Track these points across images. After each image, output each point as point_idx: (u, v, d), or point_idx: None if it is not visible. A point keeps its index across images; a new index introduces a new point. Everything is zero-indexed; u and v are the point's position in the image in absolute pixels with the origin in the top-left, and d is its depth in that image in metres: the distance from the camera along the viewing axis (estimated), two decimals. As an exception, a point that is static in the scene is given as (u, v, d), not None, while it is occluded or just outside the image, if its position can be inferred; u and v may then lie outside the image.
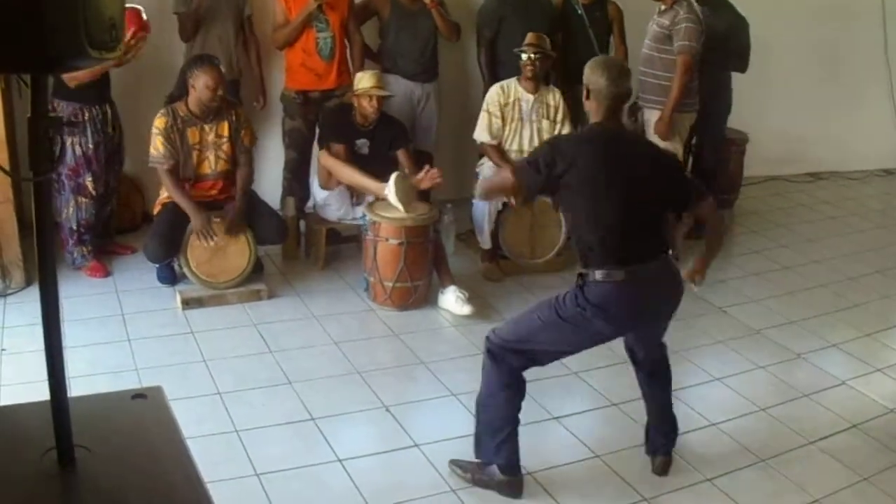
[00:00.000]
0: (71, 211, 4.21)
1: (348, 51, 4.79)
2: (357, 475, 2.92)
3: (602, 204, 2.63)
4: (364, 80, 4.39)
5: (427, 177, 4.26)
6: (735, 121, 5.78)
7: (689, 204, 2.81)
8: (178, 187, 4.00)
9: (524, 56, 4.52)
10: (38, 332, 3.84)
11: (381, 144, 4.55)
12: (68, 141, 4.09)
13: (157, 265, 4.23)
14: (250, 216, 4.18)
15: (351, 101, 4.48)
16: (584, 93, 2.74)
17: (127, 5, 3.97)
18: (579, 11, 5.02)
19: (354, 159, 4.45)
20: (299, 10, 4.48)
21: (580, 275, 2.68)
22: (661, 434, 3.06)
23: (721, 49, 4.98)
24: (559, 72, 5.16)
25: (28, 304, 3.99)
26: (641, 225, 2.68)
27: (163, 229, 4.02)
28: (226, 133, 4.12)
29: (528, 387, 2.85)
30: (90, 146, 4.15)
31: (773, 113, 6.56)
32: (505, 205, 4.59)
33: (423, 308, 4.26)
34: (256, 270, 4.43)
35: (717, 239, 3.06)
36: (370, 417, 3.28)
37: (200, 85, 3.91)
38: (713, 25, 4.92)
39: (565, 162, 2.62)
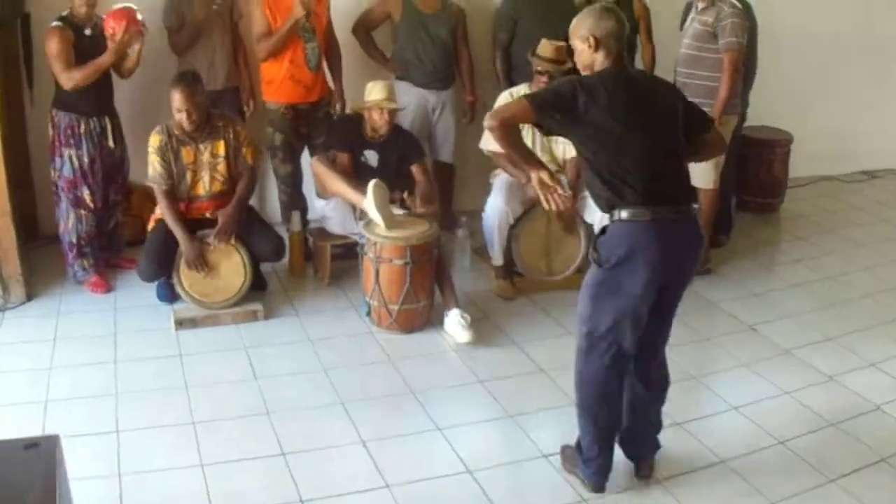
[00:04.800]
0: (71, 224, 4.27)
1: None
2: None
3: (629, 139, 2.61)
4: (374, 92, 4.28)
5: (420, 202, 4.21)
6: (778, 119, 5.43)
7: (706, 126, 2.84)
8: (172, 211, 3.98)
9: (539, 68, 4.30)
10: (34, 349, 3.82)
11: (390, 157, 4.43)
12: (66, 153, 4.11)
13: (157, 283, 4.14)
14: (246, 232, 4.11)
15: (361, 111, 4.31)
16: (588, 44, 2.69)
17: (120, 5, 3.98)
18: (596, 6, 4.71)
19: (361, 171, 4.33)
20: (284, 19, 4.37)
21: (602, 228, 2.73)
22: (648, 438, 3.01)
23: None
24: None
25: (26, 321, 4.07)
26: (667, 161, 2.69)
27: (155, 248, 4.02)
28: (221, 152, 4.06)
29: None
30: (85, 160, 4.17)
31: (820, 108, 6.23)
32: (518, 219, 4.37)
33: (428, 330, 4.13)
34: (259, 288, 4.37)
35: (707, 157, 3.09)
36: (344, 454, 3.17)
37: (172, 107, 3.87)
38: None
39: (587, 95, 2.60)
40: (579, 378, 2.86)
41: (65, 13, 4.03)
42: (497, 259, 4.46)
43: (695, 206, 2.75)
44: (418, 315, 4.05)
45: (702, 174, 4.55)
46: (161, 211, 4.01)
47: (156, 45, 4.45)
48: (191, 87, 3.86)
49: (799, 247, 5.32)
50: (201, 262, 3.96)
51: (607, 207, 2.70)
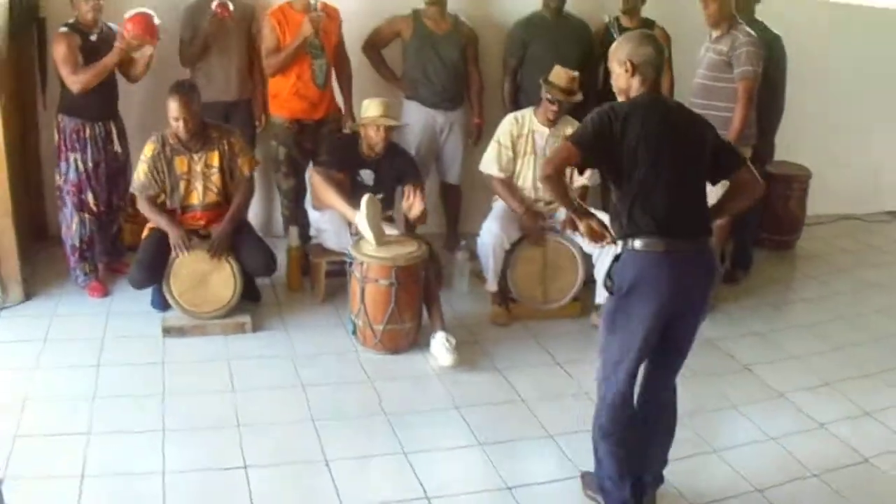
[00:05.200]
0: (74, 227, 4.35)
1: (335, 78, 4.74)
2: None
3: (656, 169, 2.63)
4: (371, 109, 4.28)
5: (415, 202, 4.17)
6: (797, 154, 5.31)
7: (738, 163, 2.81)
8: (153, 207, 4.06)
9: (548, 95, 4.27)
10: (23, 349, 3.88)
11: (386, 176, 4.43)
12: (71, 158, 4.20)
13: (153, 290, 4.18)
14: (238, 246, 4.11)
15: (358, 130, 4.32)
16: (625, 68, 2.73)
17: (138, 10, 4.05)
18: (615, 36, 4.66)
19: (357, 190, 4.34)
20: (293, 36, 4.42)
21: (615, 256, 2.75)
22: (652, 475, 2.97)
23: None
24: (598, 103, 4.86)
25: (20, 320, 4.15)
26: (690, 194, 2.71)
27: (146, 256, 4.09)
28: (215, 163, 4.11)
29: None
30: (90, 164, 4.26)
31: (841, 144, 6.10)
32: (514, 244, 4.33)
33: (413, 352, 4.10)
34: (252, 300, 4.41)
35: (749, 200, 2.91)
36: (306, 471, 3.15)
37: (169, 116, 3.94)
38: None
39: (621, 121, 2.65)
40: (600, 405, 2.85)
41: (71, 20, 4.14)
42: (491, 284, 4.42)
43: (711, 239, 2.76)
44: (403, 336, 4.03)
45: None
46: (142, 210, 4.08)
47: (165, 53, 4.54)
48: (187, 96, 3.92)
49: (810, 286, 5.19)
50: (186, 243, 3.99)
51: (622, 235, 2.72)
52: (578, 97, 4.30)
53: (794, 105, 5.16)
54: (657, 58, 2.74)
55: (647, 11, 5.06)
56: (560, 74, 4.28)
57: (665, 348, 2.83)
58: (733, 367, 4.09)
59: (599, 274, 4.30)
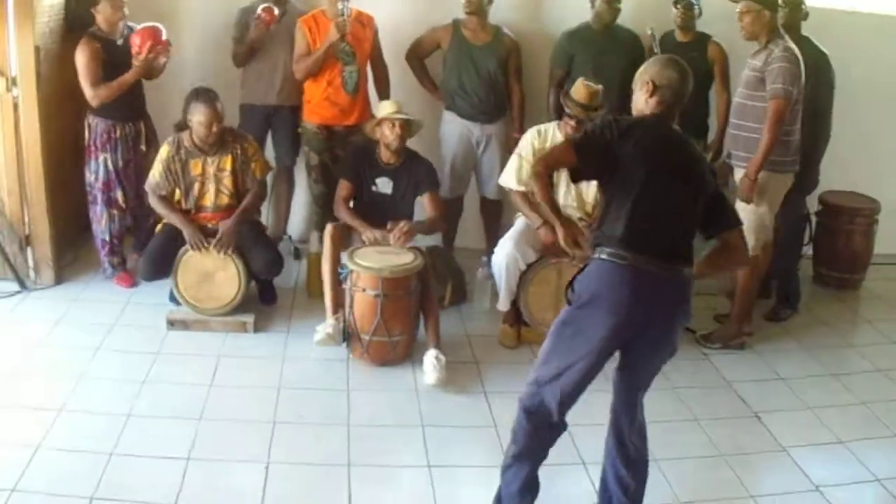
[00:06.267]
0: (104, 223, 4.60)
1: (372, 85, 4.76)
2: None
3: (645, 187, 2.56)
4: (384, 108, 4.34)
5: (396, 233, 4.15)
6: (863, 185, 4.83)
7: (730, 223, 2.74)
8: (166, 205, 4.23)
9: (567, 110, 4.15)
10: (36, 327, 4.17)
11: (406, 184, 4.40)
12: (101, 157, 4.39)
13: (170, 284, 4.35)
14: (245, 245, 4.21)
15: (375, 137, 4.32)
16: (646, 88, 2.68)
17: (147, 24, 4.24)
18: (656, 49, 4.44)
19: (374, 199, 4.37)
20: (324, 41, 4.44)
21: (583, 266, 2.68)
22: None
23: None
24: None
25: (45, 301, 4.44)
26: (674, 222, 2.62)
27: (154, 249, 4.28)
28: (228, 167, 4.25)
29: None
30: (120, 162, 4.47)
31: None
32: (529, 265, 4.19)
33: (403, 366, 4.04)
34: (268, 302, 4.46)
35: (732, 266, 2.95)
36: (240, 470, 3.16)
37: (195, 121, 4.09)
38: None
39: (621, 132, 2.60)
40: (516, 425, 2.76)
41: (93, 28, 4.36)
42: (503, 304, 4.30)
43: (688, 271, 2.63)
44: (390, 349, 3.96)
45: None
46: (155, 209, 4.25)
47: (220, 55, 4.80)
48: (212, 103, 4.09)
49: (863, 332, 4.69)
50: (202, 240, 4.12)
51: (596, 244, 2.64)
52: (599, 113, 4.12)
53: (866, 132, 4.72)
54: (679, 84, 2.67)
55: (707, 27, 4.80)
56: (580, 89, 4.12)
57: (622, 380, 2.72)
58: (741, 413, 3.75)
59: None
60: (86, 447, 3.19)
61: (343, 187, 4.33)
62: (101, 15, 4.30)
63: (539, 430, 2.71)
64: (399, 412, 3.63)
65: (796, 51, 3.98)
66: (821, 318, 4.79)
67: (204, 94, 4.10)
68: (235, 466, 3.16)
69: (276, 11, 4.60)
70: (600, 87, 4.15)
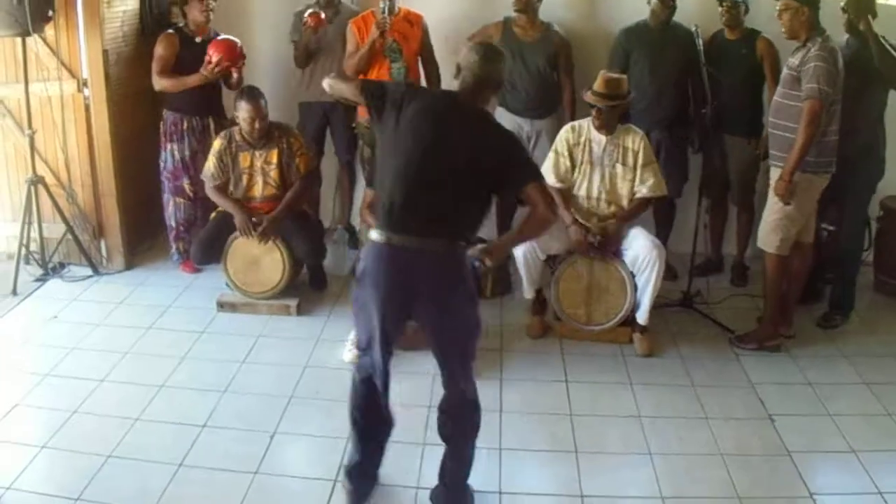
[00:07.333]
0: (170, 210, 4.98)
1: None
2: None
3: (403, 160, 2.69)
4: None
5: None
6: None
7: (514, 184, 2.75)
8: (220, 194, 4.51)
9: (587, 100, 4.19)
10: (99, 308, 4.63)
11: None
12: (169, 148, 4.78)
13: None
14: (289, 232, 4.48)
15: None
16: (455, 70, 2.85)
17: (228, 37, 4.58)
18: (699, 45, 4.38)
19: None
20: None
21: None
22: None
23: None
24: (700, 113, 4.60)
25: (113, 285, 4.85)
26: (435, 192, 2.68)
27: (206, 236, 4.61)
28: (275, 160, 4.50)
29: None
30: (187, 153, 4.82)
31: None
32: (561, 258, 4.25)
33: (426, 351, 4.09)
34: (317, 287, 4.71)
35: (534, 228, 2.86)
36: (245, 438, 3.38)
37: (241, 117, 4.38)
38: (864, 58, 4.06)
39: (396, 95, 2.79)
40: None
41: (181, 24, 4.76)
42: (527, 292, 4.36)
43: (462, 244, 2.74)
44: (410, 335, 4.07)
45: (764, 235, 4.09)
46: (211, 197, 4.55)
47: (267, 57, 5.12)
48: (256, 100, 4.36)
49: (904, 342, 4.39)
50: (250, 226, 4.39)
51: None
52: (616, 101, 4.12)
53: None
54: (479, 67, 2.77)
55: (763, 25, 4.68)
56: (599, 79, 4.15)
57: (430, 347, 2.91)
58: (755, 414, 3.61)
59: (643, 300, 4.15)
60: (117, 413, 3.51)
61: (369, 195, 4.41)
62: (189, 15, 4.69)
63: (364, 382, 2.92)
64: (409, 394, 3.65)
65: (834, 47, 3.83)
66: (871, 327, 4.51)
67: (248, 92, 4.39)
68: (243, 434, 3.39)
69: (323, 15, 4.79)
70: (622, 76, 4.20)
